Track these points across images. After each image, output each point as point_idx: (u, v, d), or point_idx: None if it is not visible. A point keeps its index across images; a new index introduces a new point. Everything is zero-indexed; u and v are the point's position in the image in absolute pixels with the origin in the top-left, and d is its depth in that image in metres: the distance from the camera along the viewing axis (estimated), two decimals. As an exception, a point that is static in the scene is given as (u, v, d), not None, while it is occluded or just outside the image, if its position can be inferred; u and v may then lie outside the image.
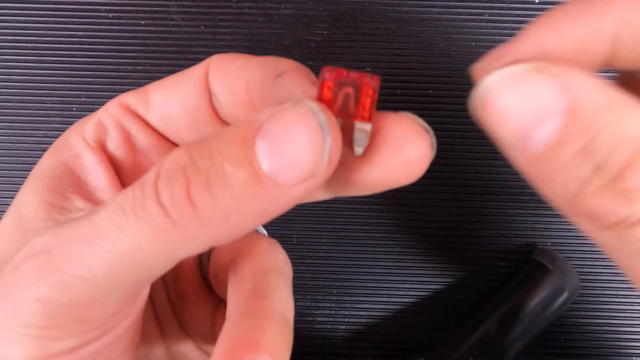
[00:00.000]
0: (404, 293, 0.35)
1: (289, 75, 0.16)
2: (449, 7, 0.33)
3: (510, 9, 0.33)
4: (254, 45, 0.33)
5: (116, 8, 0.33)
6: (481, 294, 0.35)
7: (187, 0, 0.33)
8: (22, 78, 0.34)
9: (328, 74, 0.14)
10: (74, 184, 0.18)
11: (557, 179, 0.13)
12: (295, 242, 0.35)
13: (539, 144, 0.13)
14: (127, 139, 0.19)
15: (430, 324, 0.35)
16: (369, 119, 0.15)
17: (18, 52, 0.34)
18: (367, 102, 0.14)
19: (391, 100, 0.34)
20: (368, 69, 0.34)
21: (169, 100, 0.18)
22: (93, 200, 0.18)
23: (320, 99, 0.14)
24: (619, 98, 0.13)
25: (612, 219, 0.13)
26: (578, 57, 0.14)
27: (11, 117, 0.34)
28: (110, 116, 0.19)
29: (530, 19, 0.33)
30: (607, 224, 0.13)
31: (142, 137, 0.19)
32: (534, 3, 0.33)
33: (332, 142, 0.13)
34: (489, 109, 0.14)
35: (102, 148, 0.19)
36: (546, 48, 0.14)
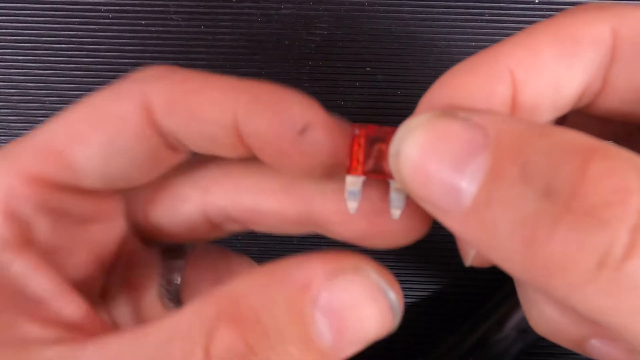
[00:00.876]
0: (404, 293, 0.35)
1: (316, 132, 0.13)
2: (449, 7, 0.33)
3: (510, 9, 0.33)
4: (254, 45, 0.33)
5: (116, 8, 0.33)
6: (481, 294, 0.35)
7: (187, 0, 0.33)
8: (22, 78, 0.34)
9: (358, 130, 0.13)
10: (11, 303, 0.13)
11: (502, 225, 0.10)
12: (295, 242, 0.35)
13: (471, 187, 0.11)
14: (60, 218, 0.15)
15: (430, 324, 0.35)
16: None
17: (18, 52, 0.34)
18: None
19: (391, 100, 0.34)
20: (368, 68, 0.34)
21: (105, 159, 0.14)
22: (47, 319, 0.13)
23: (351, 157, 0.13)
24: (540, 123, 0.11)
25: (593, 255, 0.09)
26: (486, 101, 0.13)
27: (11, 117, 0.34)
28: (23, 200, 0.14)
29: (530, 19, 0.33)
30: (587, 268, 0.09)
31: (79, 208, 0.15)
32: (534, 3, 0.33)
33: (399, 310, 0.12)
34: (407, 168, 0.12)
35: (28, 243, 0.14)
36: (454, 97, 0.13)
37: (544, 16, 0.33)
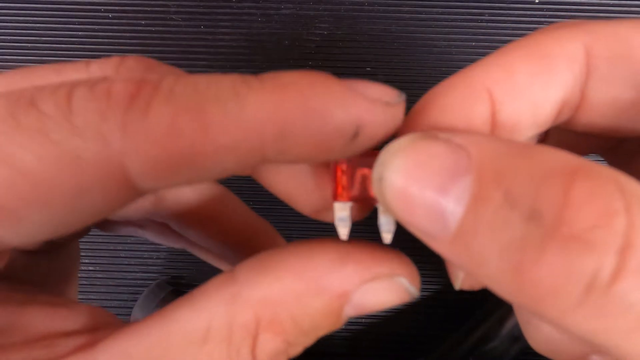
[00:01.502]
0: (404, 293, 0.35)
1: (369, 131, 0.12)
2: (449, 7, 0.33)
3: (510, 9, 0.33)
4: (254, 45, 0.33)
5: (116, 8, 0.33)
6: (481, 294, 0.35)
7: (187, 0, 0.33)
8: (22, 78, 0.34)
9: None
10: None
11: (489, 249, 0.10)
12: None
13: (456, 210, 0.10)
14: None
15: (431, 324, 0.35)
16: None
17: (18, 52, 0.34)
18: None
19: (391, 100, 0.34)
20: (368, 68, 0.34)
21: (49, 230, 0.12)
22: (22, 342, 0.12)
23: (336, 184, 0.13)
24: (522, 143, 0.11)
25: (581, 279, 0.09)
26: (466, 121, 0.13)
27: (11, 117, 0.34)
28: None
29: (530, 19, 0.33)
30: (576, 292, 0.09)
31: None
32: (534, 3, 0.33)
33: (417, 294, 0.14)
34: (390, 192, 0.12)
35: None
36: (434, 118, 0.13)
37: (544, 16, 0.33)
